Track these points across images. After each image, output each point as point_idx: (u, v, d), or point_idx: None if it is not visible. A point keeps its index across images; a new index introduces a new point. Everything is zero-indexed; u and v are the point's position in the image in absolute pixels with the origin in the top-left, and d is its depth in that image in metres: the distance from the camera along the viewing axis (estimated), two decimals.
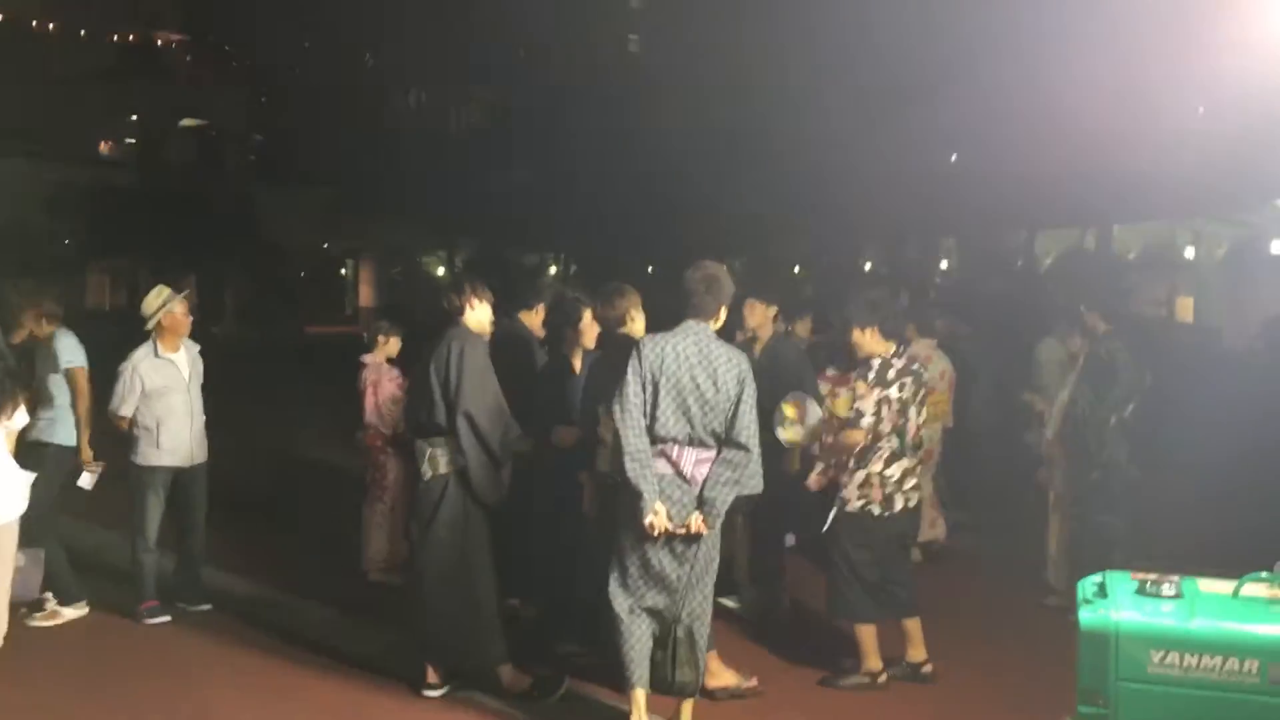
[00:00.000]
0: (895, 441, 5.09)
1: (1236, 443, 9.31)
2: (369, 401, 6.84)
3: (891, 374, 5.10)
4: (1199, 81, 17.14)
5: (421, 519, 5.13)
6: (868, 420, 5.05)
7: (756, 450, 4.47)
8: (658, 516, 4.30)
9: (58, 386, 6.06)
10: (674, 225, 26.83)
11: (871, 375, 5.10)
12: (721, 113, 26.17)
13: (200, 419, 6.28)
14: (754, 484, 4.46)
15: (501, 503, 5.17)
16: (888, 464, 5.09)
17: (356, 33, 35.81)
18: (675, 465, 4.39)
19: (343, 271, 40.87)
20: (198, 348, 6.42)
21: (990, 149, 21.69)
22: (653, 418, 4.37)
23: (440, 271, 37.87)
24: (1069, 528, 6.55)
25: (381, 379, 6.82)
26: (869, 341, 5.21)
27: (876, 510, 5.09)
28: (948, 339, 9.37)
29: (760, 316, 6.27)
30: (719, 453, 4.40)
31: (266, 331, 27.91)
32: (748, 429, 4.42)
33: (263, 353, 22.91)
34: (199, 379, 6.35)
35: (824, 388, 7.07)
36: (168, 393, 6.12)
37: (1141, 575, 2.84)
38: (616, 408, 4.36)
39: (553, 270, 36.07)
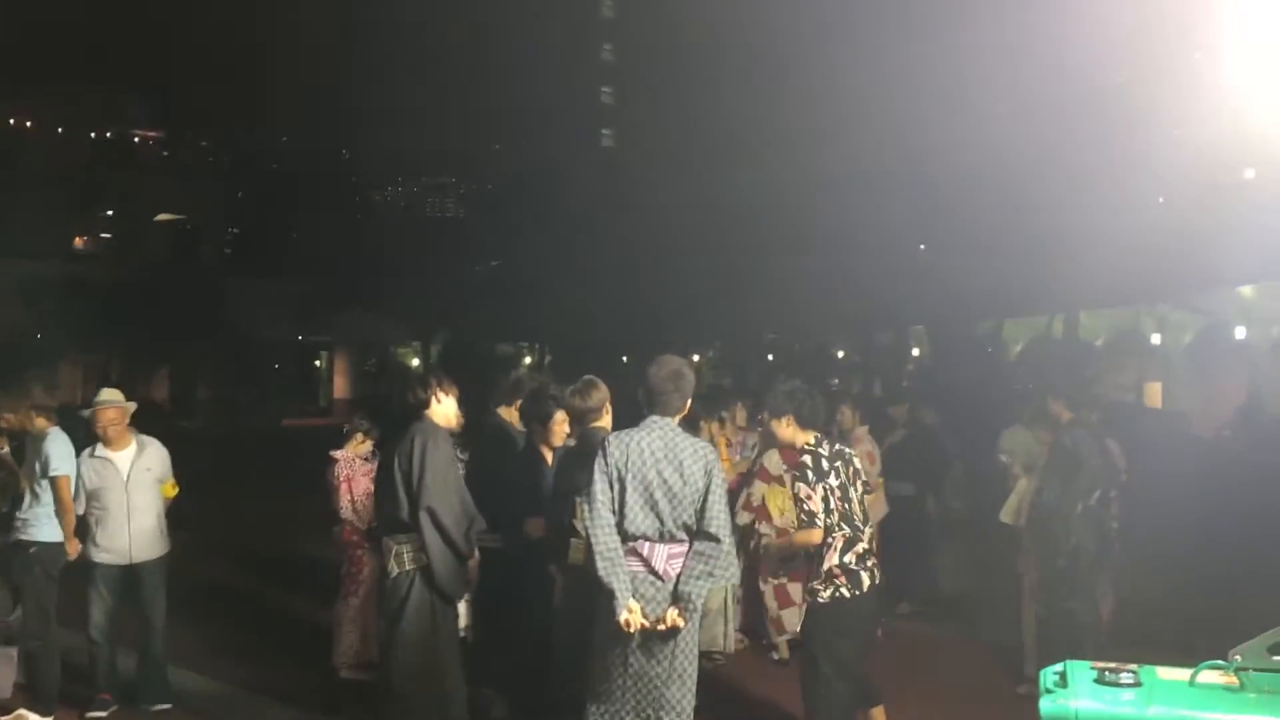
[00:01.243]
0: (846, 529, 5.08)
1: (1207, 529, 9.40)
2: (344, 497, 6.83)
3: (825, 464, 5.12)
4: (1158, 172, 17.62)
5: (389, 615, 5.10)
6: (820, 519, 5.03)
7: (729, 541, 4.49)
8: (632, 615, 4.29)
9: (44, 487, 6.02)
10: (648, 316, 27.05)
11: (810, 474, 5.08)
12: (693, 207, 26.60)
13: (144, 518, 6.16)
14: (729, 574, 4.47)
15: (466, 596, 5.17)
16: (844, 552, 5.07)
17: (333, 128, 36.39)
18: (647, 562, 4.37)
19: (317, 363, 40.83)
20: (155, 444, 6.38)
21: (959, 239, 22.11)
22: (621, 515, 4.36)
23: (415, 362, 37.91)
24: (1039, 615, 6.58)
25: (355, 474, 6.81)
26: (785, 430, 5.26)
27: (847, 593, 5.05)
28: (916, 426, 9.52)
29: None
30: (690, 546, 4.43)
31: (240, 424, 27.75)
32: (718, 519, 4.42)
33: (236, 445, 22.78)
34: (151, 477, 6.26)
35: (761, 486, 7.19)
36: (103, 492, 6.11)
37: (1101, 664, 2.88)
38: (586, 507, 4.38)
39: (527, 360, 36.17)
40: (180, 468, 6.50)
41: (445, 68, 34.34)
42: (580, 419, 5.44)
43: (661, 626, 4.31)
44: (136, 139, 32.83)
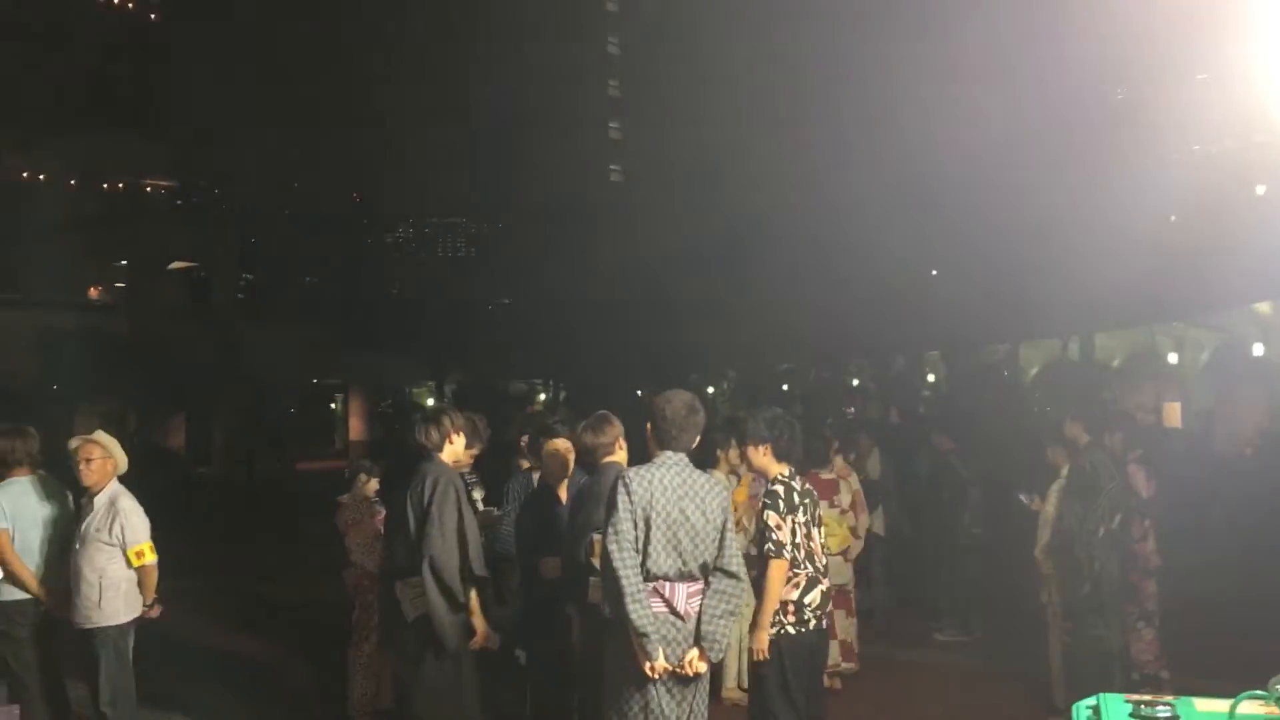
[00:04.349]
0: (810, 567, 4.93)
1: (1235, 550, 9.25)
2: (353, 540, 6.75)
3: (795, 498, 4.97)
4: (1169, 190, 17.52)
5: (409, 660, 5.01)
6: (789, 550, 4.87)
7: (746, 578, 4.40)
8: (660, 659, 4.20)
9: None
10: (662, 349, 27.01)
11: (781, 504, 4.92)
12: (705, 238, 26.64)
13: None
14: (744, 612, 4.38)
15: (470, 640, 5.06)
16: (806, 590, 4.90)
17: (345, 172, 36.64)
18: (669, 603, 4.28)
19: (333, 406, 40.86)
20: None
21: (972, 263, 22.04)
22: (644, 554, 4.27)
23: (430, 402, 37.90)
24: (1065, 643, 6.44)
25: (364, 518, 6.74)
26: (760, 459, 5.09)
27: (791, 630, 4.88)
28: (931, 453, 9.42)
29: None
30: (706, 584, 4.33)
31: (255, 470, 27.74)
32: (736, 556, 4.36)
33: (251, 491, 22.74)
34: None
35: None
36: None
37: (1136, 698, 2.78)
38: (613, 546, 4.23)
39: (541, 397, 36.14)
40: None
41: (454, 111, 34.55)
42: (592, 455, 5.35)
43: (686, 669, 4.22)
44: (149, 188, 33.06)
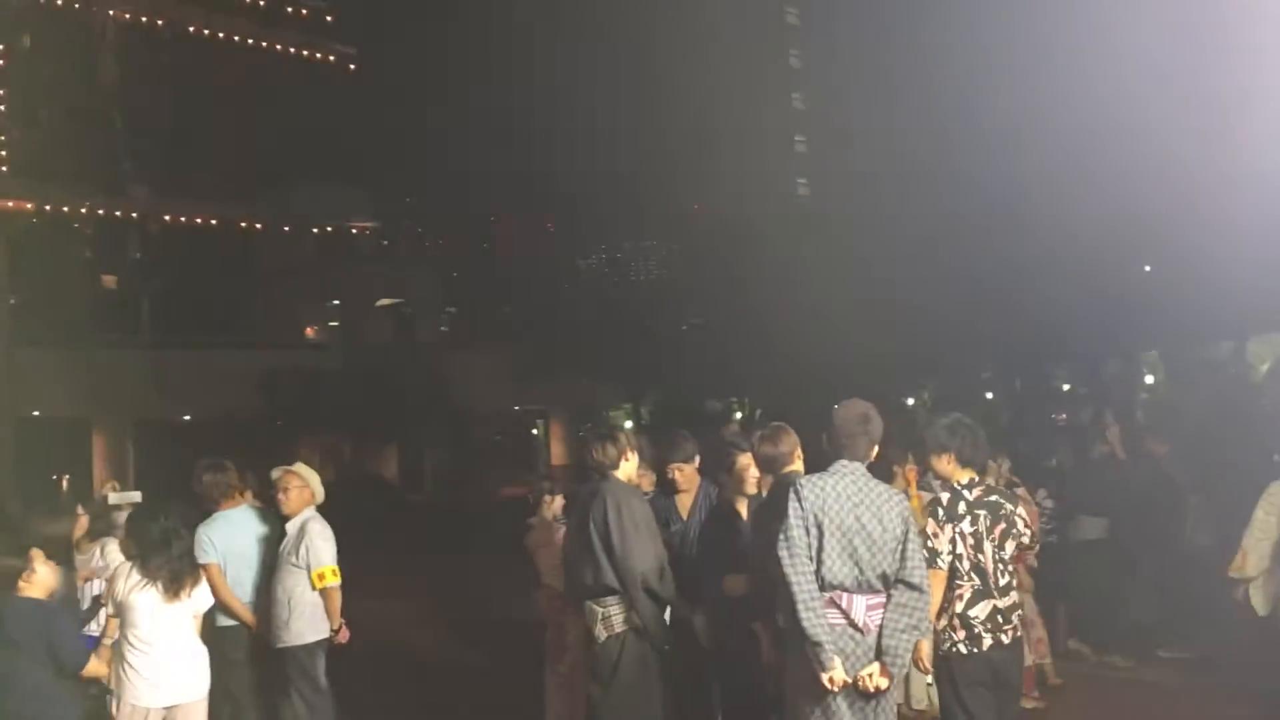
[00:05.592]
0: (976, 580, 4.65)
1: None
2: (544, 561, 6.83)
3: (962, 507, 4.70)
4: None
5: (601, 680, 5.07)
6: (945, 559, 4.65)
7: (929, 591, 4.22)
8: (837, 670, 4.06)
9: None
10: (858, 362, 26.51)
11: (941, 512, 4.71)
12: (894, 246, 26.10)
13: None
14: (926, 627, 4.20)
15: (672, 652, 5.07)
16: (970, 604, 4.64)
17: (536, 201, 37.74)
18: (846, 614, 4.16)
19: (534, 432, 41.87)
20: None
21: (1187, 255, 20.81)
22: (819, 562, 4.17)
23: (628, 424, 38.26)
24: None
25: (553, 538, 6.80)
26: (945, 468, 4.87)
27: (964, 649, 4.62)
28: (1147, 460, 8.87)
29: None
30: (888, 597, 4.16)
31: (463, 495, 28.69)
32: (919, 568, 4.20)
33: (458, 516, 23.51)
34: None
35: None
36: None
37: None
38: (784, 553, 4.17)
39: (737, 415, 36.07)
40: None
41: (639, 135, 35.11)
42: (771, 466, 5.24)
43: (866, 685, 4.06)
44: (354, 231, 34.77)
